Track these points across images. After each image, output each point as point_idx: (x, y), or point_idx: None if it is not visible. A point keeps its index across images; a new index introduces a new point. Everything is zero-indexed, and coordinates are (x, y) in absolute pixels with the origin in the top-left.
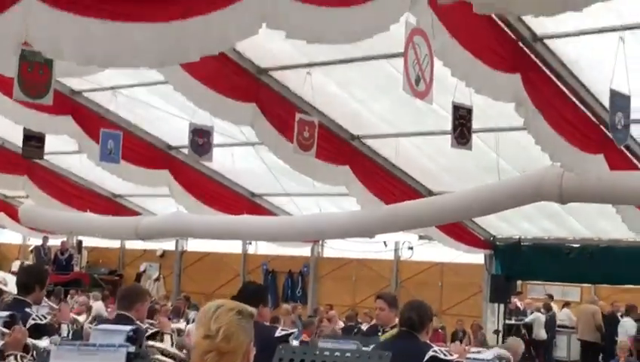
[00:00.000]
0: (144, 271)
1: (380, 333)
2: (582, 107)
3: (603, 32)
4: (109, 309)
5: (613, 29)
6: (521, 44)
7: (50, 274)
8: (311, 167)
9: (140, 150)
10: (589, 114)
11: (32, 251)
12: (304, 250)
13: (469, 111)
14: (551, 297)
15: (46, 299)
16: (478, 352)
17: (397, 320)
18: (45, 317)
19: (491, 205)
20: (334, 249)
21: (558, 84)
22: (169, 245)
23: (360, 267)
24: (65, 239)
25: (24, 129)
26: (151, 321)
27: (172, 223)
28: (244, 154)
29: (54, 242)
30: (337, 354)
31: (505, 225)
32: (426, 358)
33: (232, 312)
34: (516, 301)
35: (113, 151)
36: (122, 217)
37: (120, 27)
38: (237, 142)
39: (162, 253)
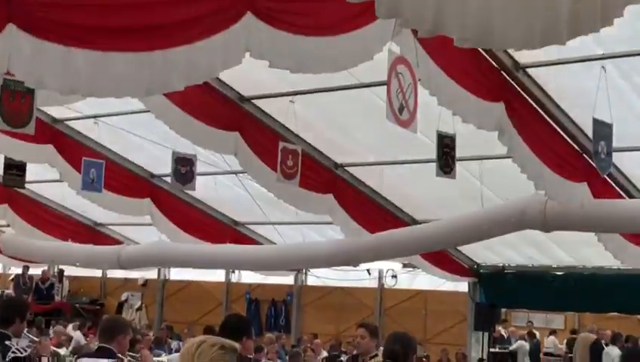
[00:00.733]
0: (126, 301)
1: None
2: (565, 136)
3: (585, 61)
4: (88, 338)
5: (596, 58)
6: (503, 73)
7: (30, 303)
8: (294, 195)
9: (122, 179)
10: (572, 143)
11: (12, 280)
12: (287, 279)
13: (453, 139)
14: (531, 324)
15: (26, 332)
16: None
17: (376, 350)
18: (25, 350)
19: (475, 233)
20: (318, 277)
21: (541, 112)
22: (151, 274)
23: (343, 295)
24: (46, 268)
25: (5, 158)
26: (132, 354)
27: (154, 252)
28: (227, 183)
29: (35, 271)
30: None
31: (489, 253)
32: None
33: (215, 347)
34: (500, 329)
35: (95, 180)
36: (104, 246)
37: (103, 57)
38: (220, 171)
39: (144, 282)
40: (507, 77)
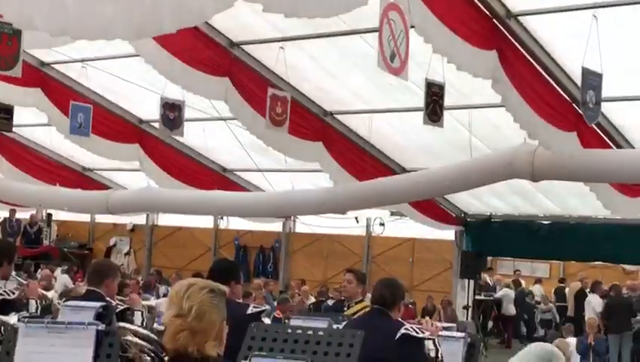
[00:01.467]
0: (114, 245)
1: (345, 309)
2: (555, 85)
3: (577, 10)
4: (76, 282)
5: (587, 7)
6: (495, 21)
7: (18, 247)
8: (284, 142)
9: (111, 124)
10: (562, 92)
11: None
12: (276, 226)
13: (442, 87)
14: (518, 273)
15: (14, 274)
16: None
17: (362, 297)
18: (13, 293)
19: (463, 182)
20: (306, 225)
21: (532, 61)
22: (140, 219)
23: (331, 243)
24: (34, 212)
25: None
26: (121, 297)
27: (143, 198)
28: (215, 130)
29: (23, 215)
30: (310, 332)
31: (476, 202)
32: (397, 336)
33: (204, 291)
34: (486, 277)
35: (83, 125)
36: (92, 191)
37: None
38: (209, 117)
39: (133, 227)
40: (499, 25)
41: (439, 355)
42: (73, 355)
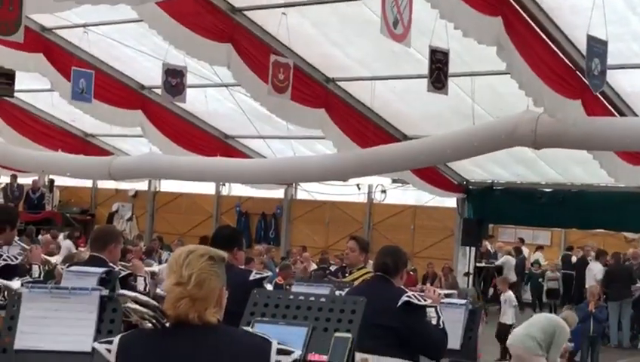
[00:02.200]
0: (116, 211)
1: (346, 274)
2: (560, 53)
3: None
4: (78, 248)
5: None
6: None
7: (21, 213)
8: (286, 109)
9: (113, 89)
10: (567, 60)
11: (1, 189)
12: (277, 192)
13: (446, 54)
14: (522, 241)
15: (17, 239)
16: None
17: (364, 264)
18: (17, 258)
19: (466, 150)
20: (307, 191)
21: (537, 29)
22: (142, 185)
23: (333, 209)
24: (36, 178)
25: None
26: (123, 263)
27: (145, 164)
28: (217, 96)
29: (25, 180)
30: (312, 298)
31: (478, 169)
32: (399, 303)
33: (203, 258)
34: (487, 244)
35: (85, 91)
36: (95, 157)
37: None
38: (211, 84)
39: (135, 193)
40: None
41: (441, 322)
42: (77, 320)
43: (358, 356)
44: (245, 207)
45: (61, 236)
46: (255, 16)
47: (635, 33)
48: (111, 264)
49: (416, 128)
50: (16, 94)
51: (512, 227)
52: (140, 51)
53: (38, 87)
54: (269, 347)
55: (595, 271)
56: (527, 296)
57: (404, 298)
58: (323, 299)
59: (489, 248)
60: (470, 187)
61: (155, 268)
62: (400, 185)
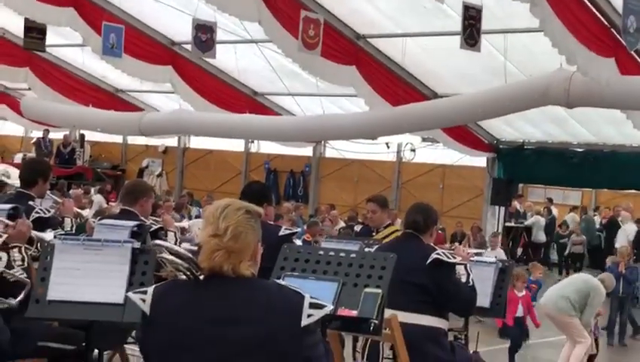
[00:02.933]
0: (147, 167)
1: (373, 233)
2: (594, 9)
3: None
4: (110, 203)
5: None
6: None
7: (52, 167)
8: (317, 66)
9: (143, 45)
10: (601, 17)
11: (34, 143)
12: (306, 150)
13: (479, 11)
14: (550, 201)
15: (49, 193)
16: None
17: (388, 220)
18: (49, 211)
19: (498, 108)
20: (336, 150)
21: None
22: (171, 141)
23: (362, 168)
24: (67, 133)
25: (25, 20)
26: (154, 218)
27: (175, 120)
28: (247, 53)
29: (56, 135)
30: (342, 254)
31: (509, 128)
32: (429, 260)
33: (240, 211)
34: (516, 204)
35: (115, 45)
36: (125, 112)
37: None
38: (240, 40)
39: (165, 149)
40: None
41: (470, 280)
42: (109, 272)
43: (388, 312)
44: (274, 165)
45: (92, 191)
46: None
47: None
48: (142, 218)
49: (447, 86)
50: (47, 49)
51: (541, 187)
52: (170, 6)
53: (68, 42)
54: (301, 300)
55: (629, 231)
56: (556, 256)
57: (434, 255)
58: (353, 255)
59: (518, 208)
60: (501, 146)
61: (185, 223)
62: (430, 143)
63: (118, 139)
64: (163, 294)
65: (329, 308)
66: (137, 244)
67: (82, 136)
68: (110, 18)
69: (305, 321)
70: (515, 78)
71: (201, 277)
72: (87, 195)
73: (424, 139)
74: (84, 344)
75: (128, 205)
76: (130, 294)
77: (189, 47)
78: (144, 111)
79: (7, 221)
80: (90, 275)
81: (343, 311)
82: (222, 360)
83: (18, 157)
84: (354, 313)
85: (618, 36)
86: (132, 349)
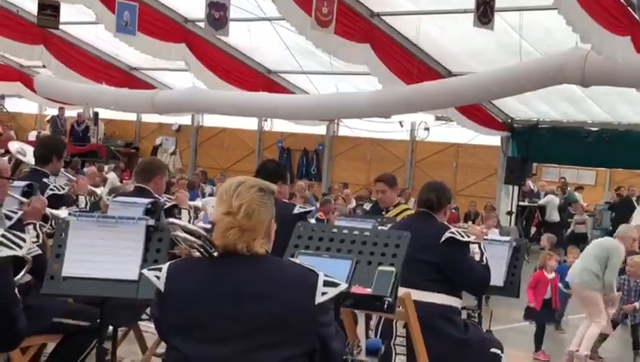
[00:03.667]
0: (160, 145)
1: (383, 212)
2: None
3: None
4: (123, 181)
5: None
6: None
7: (67, 144)
8: (331, 44)
9: (157, 22)
10: None
11: (48, 121)
12: (319, 129)
13: None
14: (564, 180)
15: (63, 170)
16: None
17: (398, 199)
18: (63, 188)
19: (512, 87)
20: (350, 128)
21: None
22: (185, 120)
23: (375, 147)
24: (81, 110)
25: None
26: (168, 196)
27: (188, 98)
28: (261, 31)
29: (70, 113)
30: (356, 232)
31: (523, 107)
32: (443, 239)
33: (253, 189)
34: (530, 183)
35: (129, 23)
36: (138, 90)
37: None
38: (254, 17)
39: (178, 128)
40: None
41: (484, 259)
42: (123, 249)
43: (401, 290)
44: (287, 143)
45: (106, 168)
46: None
47: None
48: (156, 195)
49: (461, 65)
50: (61, 27)
51: (555, 166)
52: None
53: (81, 20)
54: (315, 278)
55: None
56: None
57: (448, 234)
58: (367, 233)
59: (532, 187)
60: (515, 125)
61: (199, 202)
62: (443, 122)
63: (131, 116)
64: (177, 271)
65: (343, 286)
66: (151, 221)
67: (96, 114)
68: None
69: (319, 299)
70: (531, 57)
71: (215, 255)
72: (100, 173)
73: (438, 118)
74: (98, 320)
75: (142, 182)
76: (144, 271)
77: (202, 24)
78: (157, 89)
79: (21, 198)
80: (104, 252)
81: (357, 289)
82: (236, 336)
83: (32, 135)
84: (368, 291)
85: (634, 14)
86: (146, 326)
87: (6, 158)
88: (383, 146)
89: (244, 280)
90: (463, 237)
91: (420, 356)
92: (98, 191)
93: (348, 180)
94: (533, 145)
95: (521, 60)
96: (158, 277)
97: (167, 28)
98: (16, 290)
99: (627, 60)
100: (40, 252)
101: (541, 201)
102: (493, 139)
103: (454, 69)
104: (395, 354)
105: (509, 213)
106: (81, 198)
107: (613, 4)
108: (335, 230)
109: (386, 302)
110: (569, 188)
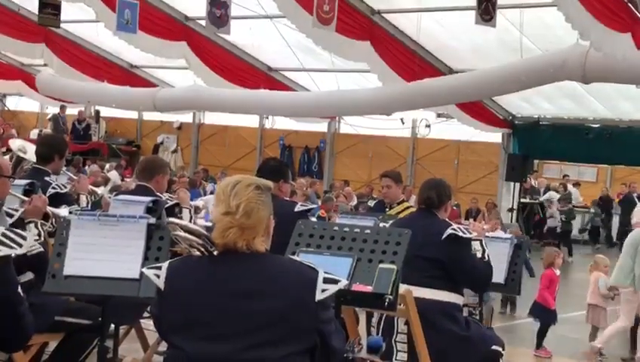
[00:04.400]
0: (162, 143)
1: (387, 209)
2: None
3: None
4: (125, 179)
5: None
6: None
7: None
8: (331, 41)
9: (158, 20)
10: None
11: (50, 120)
12: (321, 126)
13: None
14: (566, 178)
15: (65, 169)
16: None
17: (402, 195)
18: (65, 187)
19: (513, 84)
20: (351, 125)
21: None
22: (186, 117)
23: (376, 144)
24: (82, 109)
25: None
26: (169, 195)
27: (189, 96)
28: (262, 28)
29: (71, 111)
30: (357, 230)
31: (524, 104)
32: (444, 236)
33: (250, 188)
34: (531, 180)
35: (130, 21)
36: (140, 88)
37: None
38: (255, 15)
39: (180, 125)
40: None
41: (486, 256)
42: (124, 247)
43: (402, 287)
44: (289, 141)
45: (107, 166)
46: None
47: None
48: (157, 194)
49: (462, 62)
50: (62, 25)
51: (557, 163)
52: None
53: (82, 18)
54: (315, 275)
55: None
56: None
57: (449, 230)
58: (368, 231)
59: (533, 184)
60: (516, 122)
61: (200, 202)
62: (444, 119)
63: (133, 115)
64: (177, 270)
65: (343, 282)
66: (153, 220)
67: (97, 112)
68: None
69: (319, 296)
70: (532, 53)
71: (215, 253)
72: (101, 171)
73: (439, 115)
74: (99, 319)
75: (144, 181)
76: (144, 270)
77: (203, 22)
78: (158, 87)
79: (23, 197)
80: (105, 250)
81: (358, 287)
82: (236, 334)
83: (34, 133)
84: (369, 288)
85: (635, 11)
86: (147, 324)
87: (7, 157)
88: (384, 143)
89: (245, 278)
90: (464, 233)
91: (421, 353)
92: (99, 190)
93: (349, 177)
94: (535, 142)
95: (522, 57)
96: (158, 276)
97: (168, 26)
98: (19, 289)
99: (628, 57)
100: (42, 250)
101: (542, 198)
102: (495, 136)
103: (455, 65)
104: (397, 351)
105: (511, 209)
106: (83, 198)
107: (614, 2)
108: (336, 228)
109: (387, 300)
110: (570, 187)
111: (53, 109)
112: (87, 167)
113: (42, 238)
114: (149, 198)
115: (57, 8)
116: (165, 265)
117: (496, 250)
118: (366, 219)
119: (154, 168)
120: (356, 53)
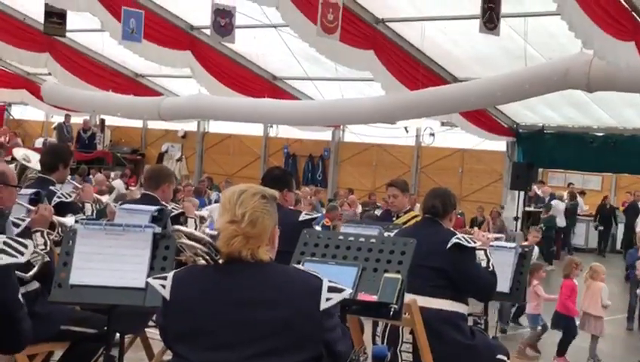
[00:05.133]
0: (166, 152)
1: (394, 218)
2: None
3: None
4: (129, 188)
5: None
6: None
7: (73, 152)
8: (335, 50)
9: (162, 30)
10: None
11: (54, 128)
12: (325, 135)
13: None
14: (570, 186)
15: (70, 178)
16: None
17: (409, 205)
18: (70, 196)
19: (517, 92)
20: (355, 134)
21: None
22: (191, 126)
23: (380, 152)
24: (87, 118)
25: (45, 5)
26: (174, 204)
27: (194, 104)
28: (266, 37)
29: (76, 120)
30: (362, 239)
31: (529, 112)
32: (449, 245)
33: (256, 197)
34: (536, 188)
35: (135, 31)
36: (144, 97)
37: None
38: (260, 24)
39: (184, 134)
40: None
41: (490, 265)
42: (130, 256)
43: (407, 297)
44: (293, 149)
45: (112, 175)
46: None
47: None
48: (163, 203)
49: (466, 70)
50: (68, 34)
51: (561, 171)
52: None
53: (88, 27)
54: (320, 284)
55: None
56: (577, 240)
57: (454, 239)
58: (373, 240)
59: (538, 192)
60: (520, 130)
61: (205, 212)
62: (449, 128)
63: (138, 123)
64: (183, 279)
65: (347, 291)
66: (158, 229)
67: (102, 121)
68: (129, 3)
69: (324, 305)
70: (536, 62)
71: (220, 262)
72: (107, 179)
73: (443, 124)
74: (105, 328)
75: (150, 190)
76: (149, 280)
77: (207, 32)
78: (163, 96)
79: (29, 206)
80: (111, 260)
81: (363, 296)
82: (241, 343)
83: (39, 142)
84: (374, 298)
85: (639, 19)
86: (153, 333)
87: (13, 165)
88: (388, 152)
89: (249, 287)
90: (469, 242)
91: None
92: (103, 199)
93: (353, 186)
94: (539, 151)
95: (526, 65)
96: (163, 286)
97: (173, 35)
98: (19, 295)
99: (632, 65)
100: (48, 259)
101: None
102: (499, 144)
103: (459, 74)
104: (402, 360)
105: (516, 218)
106: (88, 206)
107: (618, 10)
108: (341, 237)
109: (392, 309)
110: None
111: (58, 118)
112: (91, 176)
113: (48, 248)
114: (154, 207)
115: (63, 17)
116: (170, 275)
117: (501, 259)
118: (371, 228)
119: (160, 177)
120: (360, 62)
